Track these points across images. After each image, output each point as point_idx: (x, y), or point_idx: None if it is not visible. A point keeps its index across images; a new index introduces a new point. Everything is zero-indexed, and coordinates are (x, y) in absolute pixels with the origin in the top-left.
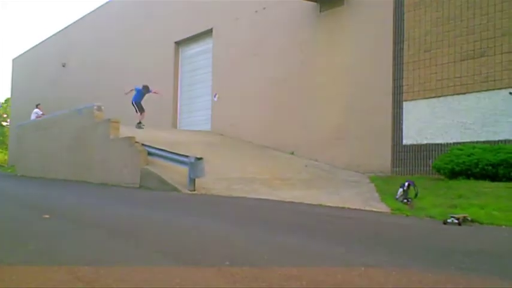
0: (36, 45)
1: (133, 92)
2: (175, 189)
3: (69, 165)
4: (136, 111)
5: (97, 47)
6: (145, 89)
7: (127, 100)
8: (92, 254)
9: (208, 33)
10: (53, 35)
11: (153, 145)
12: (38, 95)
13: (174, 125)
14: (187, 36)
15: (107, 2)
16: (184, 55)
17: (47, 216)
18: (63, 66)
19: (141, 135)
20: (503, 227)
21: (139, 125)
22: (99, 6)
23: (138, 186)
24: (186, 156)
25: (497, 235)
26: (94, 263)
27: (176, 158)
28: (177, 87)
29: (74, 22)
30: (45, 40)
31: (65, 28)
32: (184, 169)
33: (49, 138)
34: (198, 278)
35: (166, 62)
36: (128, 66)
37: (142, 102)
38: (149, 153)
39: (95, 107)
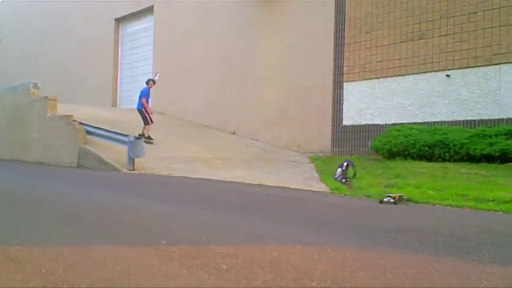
0: None
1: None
2: (114, 168)
3: (4, 143)
4: (148, 121)
5: (36, 20)
6: (150, 84)
7: (68, 74)
8: (26, 234)
9: (149, 10)
10: None
11: (91, 124)
12: None
13: (114, 104)
14: (128, 13)
15: None
16: (125, 32)
17: None
18: None
19: (79, 114)
20: (437, 205)
21: (149, 139)
22: None
23: (76, 165)
24: (126, 136)
25: (431, 213)
26: (27, 243)
27: (115, 137)
28: (117, 65)
29: None
30: None
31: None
32: (123, 148)
33: None
34: (133, 257)
35: (106, 39)
36: (68, 41)
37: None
38: (88, 132)
39: (31, 84)
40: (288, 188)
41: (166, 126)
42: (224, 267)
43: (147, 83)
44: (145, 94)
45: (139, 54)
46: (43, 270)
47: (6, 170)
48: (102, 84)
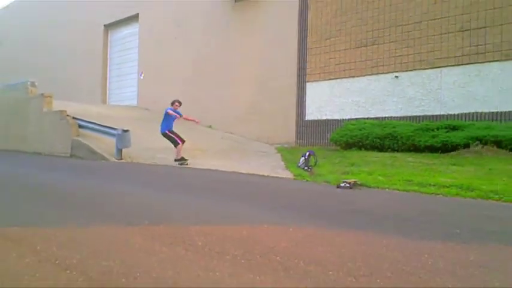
0: None
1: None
2: (103, 158)
3: (4, 136)
4: (176, 142)
5: (34, 25)
6: (175, 105)
7: (62, 74)
8: (23, 216)
9: (135, 17)
10: None
11: (83, 118)
12: None
13: (104, 101)
14: (115, 20)
15: None
16: (114, 37)
17: None
18: None
19: (73, 109)
20: (386, 189)
21: (182, 161)
22: None
23: (69, 155)
24: (114, 129)
25: (381, 196)
26: (24, 224)
27: (105, 130)
28: (106, 66)
29: (8, 4)
30: None
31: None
32: (112, 140)
33: None
34: (119, 235)
35: (96, 43)
36: (62, 44)
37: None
38: (80, 126)
39: (29, 83)
40: (257, 175)
41: (150, 120)
42: (200, 244)
43: (172, 104)
44: (166, 116)
45: (126, 57)
46: (38, 248)
47: (5, 160)
48: (92, 83)
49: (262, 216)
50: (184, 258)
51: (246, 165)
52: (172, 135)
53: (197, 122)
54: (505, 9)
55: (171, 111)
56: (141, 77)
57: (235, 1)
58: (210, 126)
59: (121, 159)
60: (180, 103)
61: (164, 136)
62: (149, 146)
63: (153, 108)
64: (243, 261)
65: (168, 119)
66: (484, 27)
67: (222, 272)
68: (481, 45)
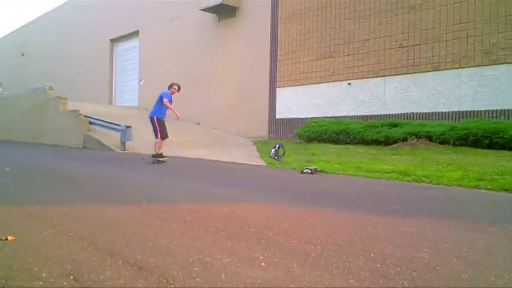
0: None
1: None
2: (110, 149)
3: (27, 130)
4: (156, 133)
5: (51, 38)
6: (172, 88)
7: (75, 80)
8: (42, 197)
9: (135, 33)
10: (12, 32)
11: (93, 116)
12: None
13: (110, 102)
14: (120, 35)
15: (55, 8)
16: (118, 49)
17: (7, 169)
18: (22, 55)
19: (84, 109)
20: (341, 175)
21: (157, 158)
22: (50, 10)
23: (81, 147)
24: (119, 125)
25: (336, 180)
26: (42, 203)
27: (111, 126)
28: (112, 73)
29: (29, 22)
30: (5, 35)
31: (22, 27)
32: (117, 134)
33: (11, 110)
34: (122, 212)
35: (104, 54)
36: (75, 56)
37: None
38: (90, 123)
39: (47, 87)
40: (236, 162)
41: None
42: (188, 219)
43: (169, 87)
44: (160, 102)
45: (128, 66)
46: (55, 222)
47: (28, 150)
48: (101, 87)
49: (240, 196)
50: (176, 230)
51: (227, 155)
52: (159, 126)
53: (177, 116)
54: (436, 30)
55: (166, 101)
56: (141, 83)
57: (219, 20)
58: (198, 123)
59: (124, 150)
60: (179, 87)
61: (150, 121)
62: (149, 140)
63: (151, 108)
64: (223, 232)
65: (161, 106)
66: (419, 44)
67: (206, 241)
68: (416, 58)
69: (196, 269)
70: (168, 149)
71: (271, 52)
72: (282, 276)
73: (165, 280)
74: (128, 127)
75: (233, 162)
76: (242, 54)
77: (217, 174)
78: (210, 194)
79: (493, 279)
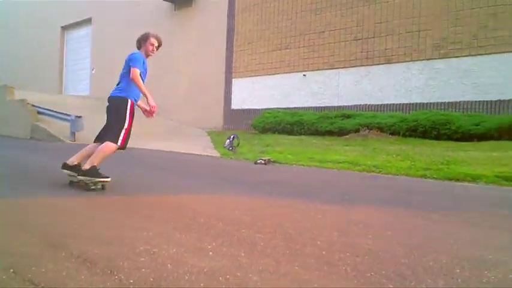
0: None
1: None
2: (59, 140)
3: None
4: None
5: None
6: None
7: (23, 68)
8: None
9: (88, 21)
10: None
11: (42, 105)
12: None
13: (61, 92)
14: (71, 22)
15: None
16: (70, 37)
17: None
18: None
19: (33, 98)
20: (294, 165)
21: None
22: None
23: (29, 138)
24: (69, 115)
25: (289, 170)
26: None
27: (60, 116)
28: (63, 62)
29: None
30: None
31: None
32: (67, 125)
33: None
34: (72, 206)
35: (54, 42)
36: (24, 42)
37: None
38: (39, 112)
39: None
40: (191, 153)
41: (103, 108)
42: (138, 210)
43: (143, 40)
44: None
45: (80, 54)
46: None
47: None
48: (51, 76)
49: (193, 187)
50: (124, 221)
51: (182, 145)
52: (129, 119)
53: (151, 110)
54: (389, 23)
55: (135, 73)
56: (93, 72)
57: (175, 9)
58: None
59: (74, 141)
60: (159, 42)
61: (112, 108)
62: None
63: (104, 97)
64: (172, 223)
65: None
66: (373, 37)
67: (154, 231)
68: (370, 51)
69: (142, 259)
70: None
71: (227, 42)
72: (229, 264)
73: (109, 271)
74: (78, 117)
75: (187, 153)
76: (198, 44)
77: (171, 165)
78: (163, 185)
79: (431, 263)
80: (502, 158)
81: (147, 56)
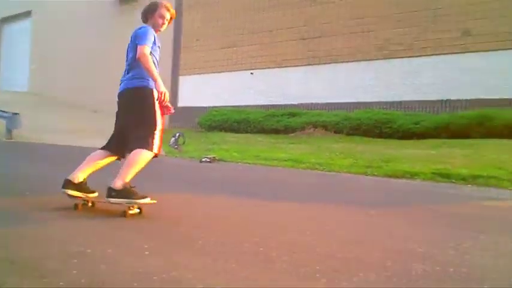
0: None
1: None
2: None
3: None
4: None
5: None
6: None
7: None
8: None
9: (27, 13)
10: None
11: None
12: None
13: None
14: (9, 15)
15: None
16: (7, 30)
17: None
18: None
19: None
20: (239, 163)
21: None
22: None
23: None
24: (5, 112)
25: (234, 168)
26: None
27: None
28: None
29: None
30: None
31: None
32: (2, 122)
33: None
34: (3, 205)
35: None
36: None
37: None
38: None
39: None
40: None
41: (41, 105)
42: (71, 210)
43: (149, 12)
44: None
45: (18, 48)
46: None
47: None
48: None
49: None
50: (56, 223)
51: None
52: (156, 112)
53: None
54: (335, 24)
55: (143, 51)
56: (33, 68)
57: (120, 4)
58: (95, 111)
59: (11, 139)
60: (171, 14)
61: (136, 101)
62: (38, 128)
63: (45, 94)
64: (107, 223)
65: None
66: (319, 37)
67: (88, 232)
68: (316, 51)
69: (74, 260)
70: (59, 137)
71: (174, 39)
72: (164, 264)
73: (39, 274)
74: (16, 114)
75: None
76: None
77: (113, 164)
78: (102, 185)
79: (364, 257)
80: (439, 156)
81: (157, 30)
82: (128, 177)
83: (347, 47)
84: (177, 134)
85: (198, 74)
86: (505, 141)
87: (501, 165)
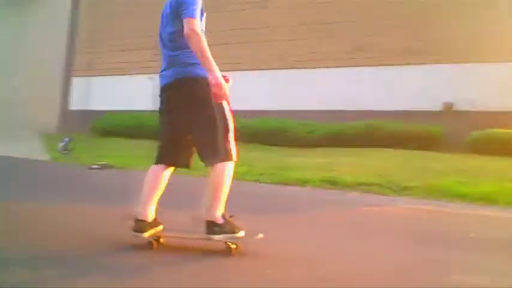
0: None
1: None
2: None
3: None
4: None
5: None
6: None
7: None
8: None
9: None
10: None
11: None
12: None
13: None
14: None
15: None
16: None
17: None
18: None
19: None
20: (134, 170)
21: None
22: None
23: None
24: None
25: (125, 176)
26: None
27: None
28: None
29: None
30: None
31: None
32: None
33: None
34: None
35: None
36: None
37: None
38: None
39: None
40: (17, 158)
41: None
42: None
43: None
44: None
45: None
46: None
47: None
48: None
49: (20, 196)
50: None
51: (6, 148)
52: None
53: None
54: (237, 31)
55: (193, 22)
56: None
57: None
58: None
59: None
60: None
61: (199, 99)
62: None
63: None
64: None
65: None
66: (225, 44)
67: None
68: (217, 58)
69: None
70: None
71: (68, 39)
72: (30, 278)
73: None
74: None
75: (12, 157)
76: (35, 38)
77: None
78: None
79: (243, 266)
80: (328, 164)
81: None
82: (222, 205)
83: (247, 55)
84: (67, 139)
85: (94, 75)
86: (389, 150)
87: (382, 173)
